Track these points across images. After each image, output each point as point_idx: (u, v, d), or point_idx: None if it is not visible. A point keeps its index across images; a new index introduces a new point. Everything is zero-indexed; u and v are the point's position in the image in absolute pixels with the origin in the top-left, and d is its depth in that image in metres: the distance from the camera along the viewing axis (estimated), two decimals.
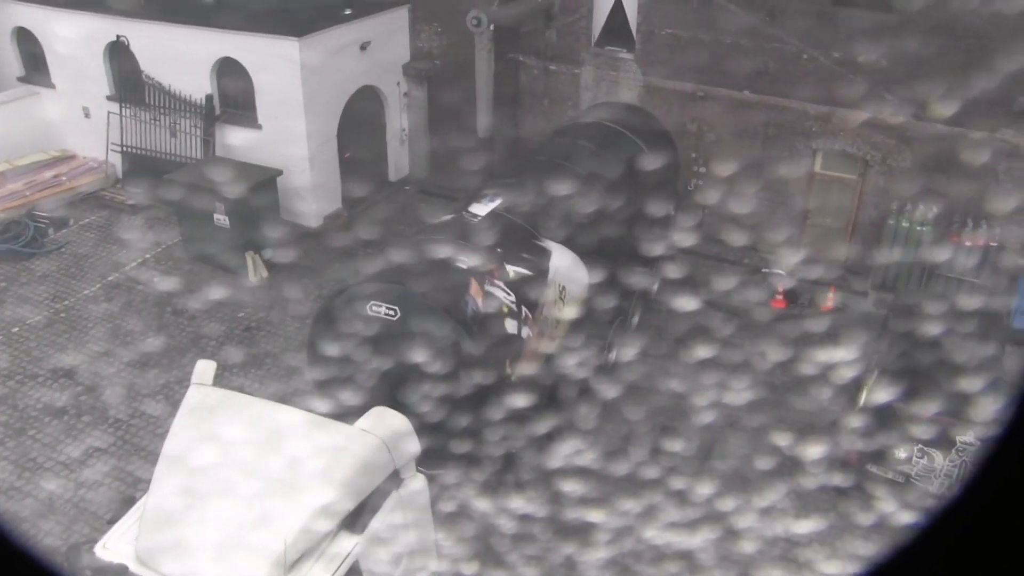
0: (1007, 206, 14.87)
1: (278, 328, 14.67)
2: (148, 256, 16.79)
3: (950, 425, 10.61)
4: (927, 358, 10.78)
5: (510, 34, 17.83)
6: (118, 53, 18.64)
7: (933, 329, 11.41)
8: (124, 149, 19.01)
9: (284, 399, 12.04)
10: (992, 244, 14.91)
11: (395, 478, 8.32)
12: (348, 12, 17.84)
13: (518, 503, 10.52)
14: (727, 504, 10.73)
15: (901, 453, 10.93)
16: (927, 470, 10.85)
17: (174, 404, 9.29)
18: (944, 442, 10.68)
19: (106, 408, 12.69)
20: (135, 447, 11.99)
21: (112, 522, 8.89)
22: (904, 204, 15.54)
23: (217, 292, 15.55)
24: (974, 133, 14.68)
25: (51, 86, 19.78)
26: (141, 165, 18.71)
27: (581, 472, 10.92)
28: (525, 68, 18.62)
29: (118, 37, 18.27)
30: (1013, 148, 14.58)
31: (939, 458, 10.75)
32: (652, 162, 14.51)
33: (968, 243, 14.99)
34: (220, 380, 9.13)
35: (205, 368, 8.75)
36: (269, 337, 14.43)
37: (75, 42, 18.55)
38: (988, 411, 10.63)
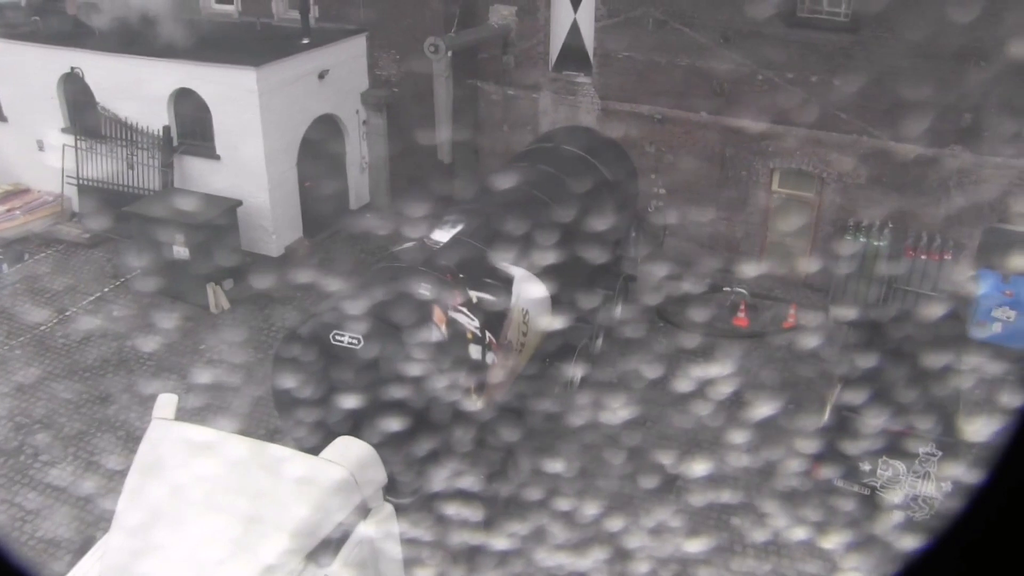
0: (959, 219, 15.20)
1: (241, 360, 14.51)
2: (106, 290, 16.55)
3: (912, 436, 10.73)
4: (887, 371, 10.92)
5: (468, 60, 17.93)
6: (72, 85, 18.46)
7: (893, 342, 11.57)
8: (80, 182, 18.77)
9: (248, 432, 11.90)
10: (947, 257, 15.19)
11: (362, 508, 8.23)
12: (306, 41, 17.83)
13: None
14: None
15: (865, 465, 11.03)
16: (891, 481, 10.96)
17: (135, 440, 9.14)
18: (907, 453, 10.80)
19: (64, 445, 12.45)
20: (94, 485, 11.75)
21: (72, 563, 8.69)
22: (860, 220, 15.79)
23: (178, 325, 15.37)
24: (925, 149, 14.98)
25: (3, 119, 19.53)
26: (98, 198, 18.45)
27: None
28: (484, 94, 18.72)
29: (72, 69, 18.10)
30: (962, 162, 14.89)
31: (903, 469, 10.86)
32: (612, 185, 14.62)
33: (924, 257, 15.26)
34: (182, 414, 9.00)
35: (166, 402, 8.61)
36: (232, 369, 14.24)
37: (27, 74, 18.34)
38: (948, 421, 10.79)
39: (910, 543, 10.56)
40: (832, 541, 10.69)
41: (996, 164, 14.73)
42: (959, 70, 14.09)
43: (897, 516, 10.99)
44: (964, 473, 10.82)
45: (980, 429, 10.61)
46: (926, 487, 10.79)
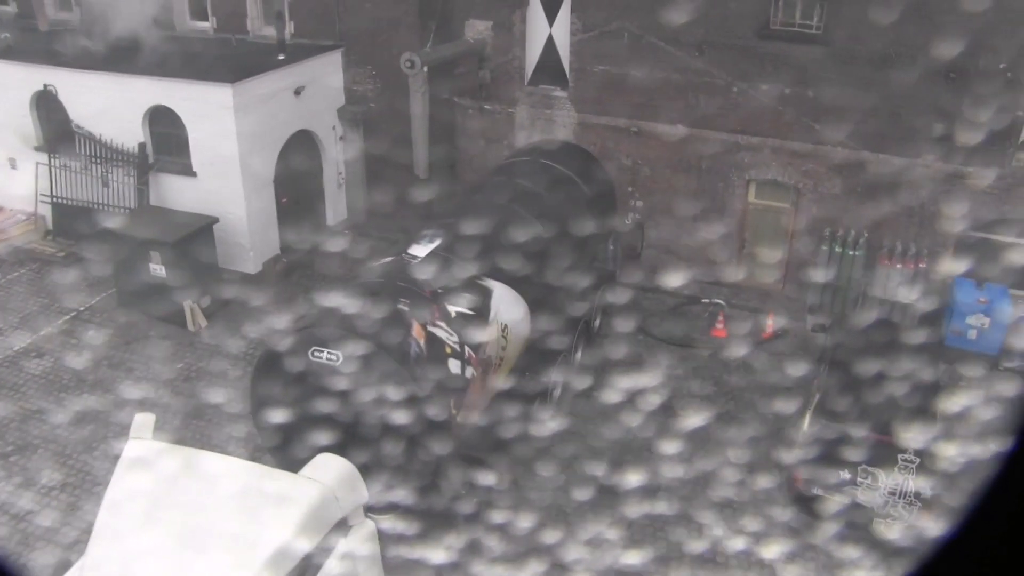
0: (933, 228, 15.37)
1: (219, 377, 14.39)
2: (82, 308, 16.40)
3: (891, 444, 10.80)
4: (865, 380, 10.98)
5: (444, 75, 17.95)
6: (45, 102, 18.32)
7: (870, 351, 11.65)
8: (54, 200, 18.62)
9: (227, 449, 11.82)
10: (921, 265, 15.34)
11: (343, 525, 8.19)
12: (281, 57, 17.81)
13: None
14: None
15: (845, 474, 11.07)
16: (871, 490, 11.00)
17: (112, 460, 9.04)
18: (886, 461, 10.86)
19: (39, 468, 12.29)
20: (70, 507, 11.61)
21: None
22: (836, 230, 15.92)
23: (155, 343, 15.26)
24: (898, 159, 15.15)
25: None
26: (73, 216, 18.32)
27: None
28: (460, 109, 18.75)
29: (45, 86, 17.98)
30: (935, 172, 15.07)
31: (882, 477, 10.91)
32: (589, 198, 14.67)
33: (899, 265, 15.40)
34: (160, 433, 8.93)
35: (143, 421, 8.55)
36: (210, 387, 14.12)
37: None
38: (927, 428, 10.87)
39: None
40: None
41: (968, 173, 14.90)
42: (930, 81, 14.27)
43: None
44: (942, 480, 10.92)
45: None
46: (906, 493, 10.85)
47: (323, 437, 9.86)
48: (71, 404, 13.59)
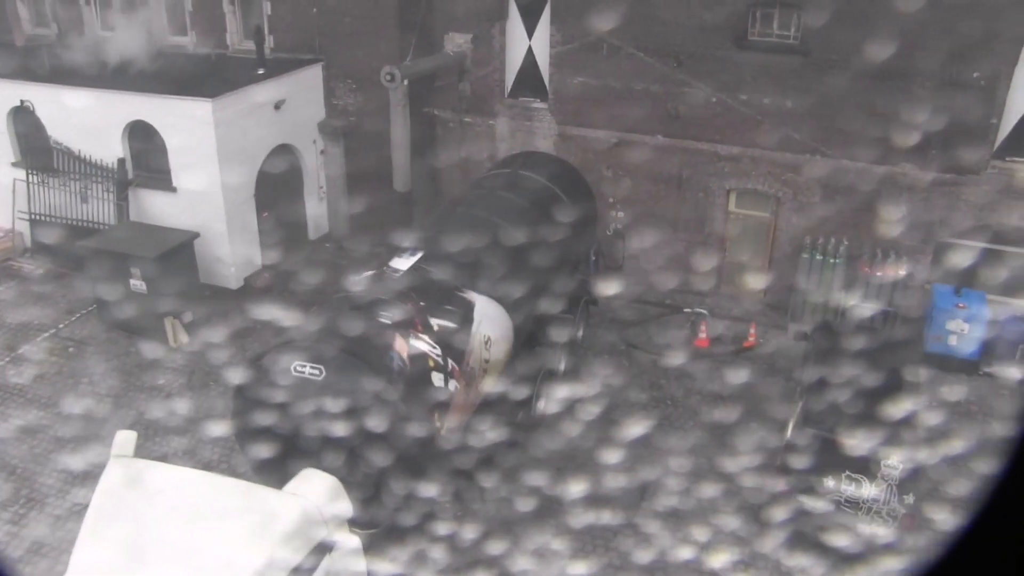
0: (912, 235, 15.50)
1: (201, 393, 14.32)
2: (61, 325, 16.28)
3: (874, 450, 10.85)
4: (848, 387, 11.04)
5: (424, 88, 17.99)
6: (23, 118, 18.21)
7: (852, 358, 11.72)
8: (32, 217, 18.49)
9: (210, 466, 11.75)
10: (901, 273, 15.46)
11: (328, 541, 8.14)
12: (261, 72, 17.79)
13: None
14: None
15: (829, 482, 11.12)
16: (855, 497, 11.05)
17: (94, 479, 8.96)
18: (870, 468, 10.91)
19: (18, 487, 12.17)
20: (50, 527, 11.48)
21: None
22: (816, 239, 16.03)
23: (136, 360, 15.15)
24: (877, 168, 15.29)
25: None
26: (52, 233, 18.18)
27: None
28: (441, 121, 18.78)
29: (22, 102, 17.87)
30: (913, 180, 15.21)
31: (866, 484, 10.96)
32: (571, 209, 14.71)
33: (879, 273, 15.52)
34: (142, 450, 8.86)
35: (125, 439, 8.49)
36: (192, 403, 14.05)
37: None
38: (910, 433, 10.94)
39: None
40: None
41: (944, 181, 15.06)
42: (906, 90, 14.41)
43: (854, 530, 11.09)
44: (927, 486, 11.00)
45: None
46: (889, 500, 10.90)
47: (306, 452, 9.82)
48: (50, 422, 13.45)
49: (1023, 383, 14.59)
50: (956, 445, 12.68)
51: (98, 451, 12.43)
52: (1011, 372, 14.74)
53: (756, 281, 17.16)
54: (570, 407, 13.50)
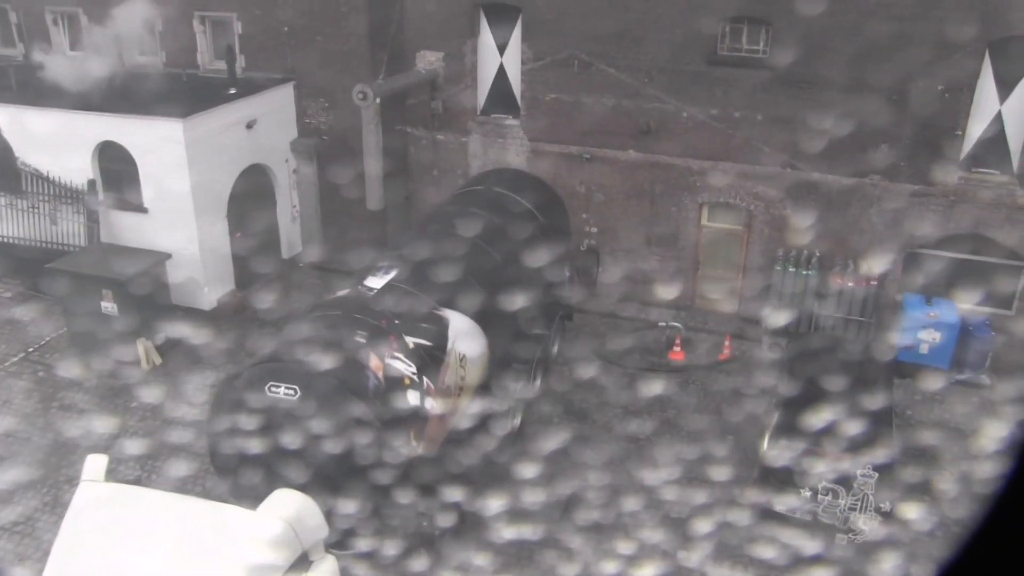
0: (882, 246, 15.66)
1: (174, 416, 14.15)
2: (31, 349, 16.06)
3: (850, 460, 10.92)
4: (822, 397, 11.11)
5: (396, 106, 18.00)
6: None
7: (826, 369, 11.81)
8: (1, 239, 18.25)
9: (183, 489, 11.61)
10: (872, 282, 15.61)
11: (303, 561, 8.07)
12: (232, 91, 17.72)
13: None
14: None
15: (806, 492, 11.17)
16: (832, 506, 11.11)
17: (63, 505, 8.83)
18: (846, 477, 10.98)
19: None
20: (18, 556, 11.28)
21: None
22: (789, 250, 16.16)
23: (107, 383, 14.98)
24: (847, 180, 15.46)
25: None
26: (20, 255, 17.95)
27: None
28: (413, 139, 18.79)
29: None
30: (882, 192, 15.39)
31: (843, 493, 11.03)
32: (544, 225, 14.75)
33: (851, 283, 15.66)
34: (113, 474, 8.75)
35: (96, 463, 8.37)
36: (165, 426, 13.89)
37: None
38: (883, 442, 11.02)
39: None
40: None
41: (914, 192, 15.24)
42: (874, 103, 14.59)
43: (832, 539, 11.15)
44: (899, 493, 11.07)
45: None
46: (864, 509, 10.97)
47: (281, 472, 9.74)
48: (19, 448, 13.26)
49: (992, 390, 14.78)
50: (928, 451, 12.84)
51: (67, 475, 12.31)
52: (981, 379, 14.92)
53: (730, 293, 17.27)
54: (545, 422, 13.48)
